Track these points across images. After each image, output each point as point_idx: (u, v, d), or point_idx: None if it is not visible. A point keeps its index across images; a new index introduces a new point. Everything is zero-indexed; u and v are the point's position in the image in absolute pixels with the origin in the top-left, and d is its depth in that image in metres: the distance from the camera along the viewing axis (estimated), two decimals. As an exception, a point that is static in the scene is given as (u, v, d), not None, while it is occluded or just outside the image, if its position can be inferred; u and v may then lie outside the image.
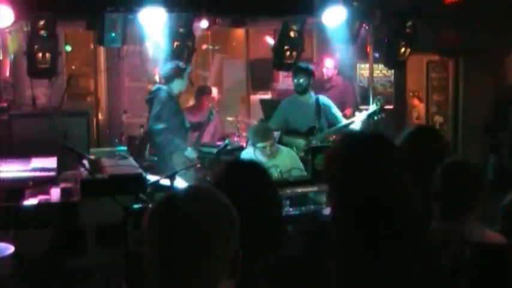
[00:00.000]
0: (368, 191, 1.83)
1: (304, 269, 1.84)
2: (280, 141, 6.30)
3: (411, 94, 9.87)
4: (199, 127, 6.81)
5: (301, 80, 6.55)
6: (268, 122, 6.80)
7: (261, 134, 5.58)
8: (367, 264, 1.78)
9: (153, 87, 6.87)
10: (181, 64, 6.39)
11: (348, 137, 2.05)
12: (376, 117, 6.55)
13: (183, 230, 1.41)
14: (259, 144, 5.45)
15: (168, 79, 6.34)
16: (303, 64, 6.78)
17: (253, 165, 2.58)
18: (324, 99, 6.75)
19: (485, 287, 2.28)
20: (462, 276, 2.05)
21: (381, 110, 6.61)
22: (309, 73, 6.61)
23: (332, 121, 6.61)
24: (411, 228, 1.85)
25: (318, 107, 6.61)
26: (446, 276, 1.91)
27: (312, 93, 6.69)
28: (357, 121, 6.57)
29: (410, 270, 1.81)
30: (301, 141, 6.39)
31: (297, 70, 6.63)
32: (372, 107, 6.70)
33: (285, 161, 5.45)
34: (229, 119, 8.57)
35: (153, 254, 1.44)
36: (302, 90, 6.58)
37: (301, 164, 5.57)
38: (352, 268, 1.78)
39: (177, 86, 6.35)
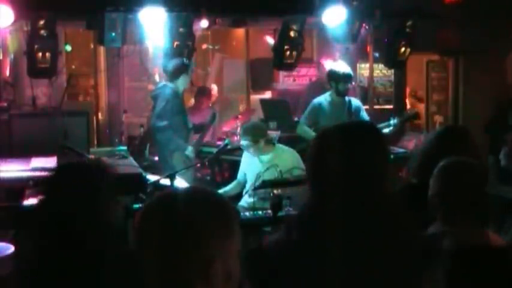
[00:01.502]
0: (352, 179, 1.86)
1: (286, 256, 1.86)
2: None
3: (412, 94, 9.89)
4: (200, 130, 6.81)
5: (347, 86, 6.68)
6: (300, 119, 6.90)
7: (242, 129, 5.64)
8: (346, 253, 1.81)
9: (158, 84, 6.86)
10: (185, 60, 6.40)
11: (338, 127, 2.05)
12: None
13: (178, 231, 1.41)
14: (241, 142, 5.49)
15: (174, 75, 6.31)
16: (346, 71, 6.82)
17: None
18: (356, 101, 6.86)
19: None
20: (436, 268, 2.05)
21: (415, 116, 7.08)
22: (351, 79, 6.82)
23: None
24: (386, 218, 1.87)
25: (350, 109, 6.71)
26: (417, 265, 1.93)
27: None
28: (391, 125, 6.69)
29: (385, 260, 1.84)
30: None
31: (350, 77, 6.72)
32: (405, 115, 6.93)
33: (286, 161, 5.44)
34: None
35: (146, 253, 1.43)
36: (346, 94, 6.72)
37: (302, 165, 5.56)
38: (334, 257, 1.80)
39: (183, 82, 6.33)
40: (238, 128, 7.93)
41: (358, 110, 6.79)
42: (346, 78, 6.65)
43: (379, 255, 1.83)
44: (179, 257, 1.40)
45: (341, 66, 6.95)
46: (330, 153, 1.89)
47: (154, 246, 1.41)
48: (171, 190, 1.57)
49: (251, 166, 5.52)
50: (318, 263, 1.80)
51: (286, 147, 5.72)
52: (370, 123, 2.19)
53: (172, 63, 6.38)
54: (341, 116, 6.62)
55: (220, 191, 5.61)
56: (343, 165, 1.86)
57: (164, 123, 6.18)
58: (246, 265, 1.85)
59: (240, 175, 5.72)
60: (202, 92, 8.09)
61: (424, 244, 2.00)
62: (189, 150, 6.27)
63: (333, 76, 6.72)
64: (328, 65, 8.34)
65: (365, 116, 6.84)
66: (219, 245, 1.43)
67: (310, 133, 6.65)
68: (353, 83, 6.87)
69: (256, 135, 5.47)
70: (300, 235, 1.87)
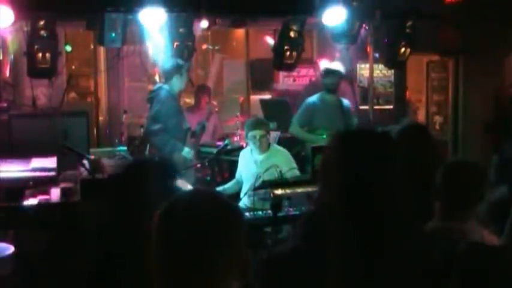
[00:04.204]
0: (362, 185, 1.82)
1: (296, 263, 1.83)
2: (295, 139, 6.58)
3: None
4: (193, 135, 6.83)
5: (333, 80, 6.75)
6: (293, 118, 6.95)
7: (251, 122, 5.64)
8: (361, 263, 1.78)
9: (155, 86, 6.87)
10: (179, 61, 6.39)
11: (347, 131, 2.03)
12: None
13: (190, 231, 1.41)
14: (250, 133, 5.47)
15: (168, 77, 6.33)
16: (331, 67, 6.95)
17: None
18: (346, 101, 6.92)
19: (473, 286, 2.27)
20: (453, 273, 2.04)
21: None
22: (337, 75, 6.83)
23: (347, 124, 6.73)
24: (402, 227, 1.84)
25: (342, 108, 6.73)
26: (436, 273, 1.90)
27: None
28: None
29: (402, 269, 1.80)
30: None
31: (335, 72, 6.81)
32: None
33: (281, 161, 5.43)
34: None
35: (159, 255, 1.44)
36: (334, 89, 6.76)
37: (294, 164, 5.58)
38: (346, 266, 1.77)
39: (177, 83, 6.32)
40: (238, 129, 7.95)
41: (348, 110, 6.85)
42: (331, 72, 6.75)
43: (396, 268, 1.80)
44: (211, 255, 1.42)
45: (331, 64, 7.07)
46: (357, 160, 1.83)
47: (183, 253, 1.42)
48: (181, 196, 1.57)
49: (247, 167, 5.54)
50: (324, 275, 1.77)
51: (279, 148, 5.74)
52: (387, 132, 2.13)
53: (166, 64, 6.39)
54: (334, 115, 6.64)
55: (219, 188, 5.65)
56: (367, 173, 1.82)
57: (158, 126, 6.18)
58: (256, 275, 1.84)
59: (238, 174, 5.75)
60: (202, 90, 8.10)
61: (442, 251, 1.98)
62: (186, 152, 6.27)
63: (321, 71, 6.91)
64: (323, 64, 8.37)
65: (353, 117, 6.93)
66: (237, 236, 1.47)
67: (303, 133, 6.70)
68: (341, 80, 6.89)
69: (268, 127, 5.64)
70: (310, 245, 1.83)
